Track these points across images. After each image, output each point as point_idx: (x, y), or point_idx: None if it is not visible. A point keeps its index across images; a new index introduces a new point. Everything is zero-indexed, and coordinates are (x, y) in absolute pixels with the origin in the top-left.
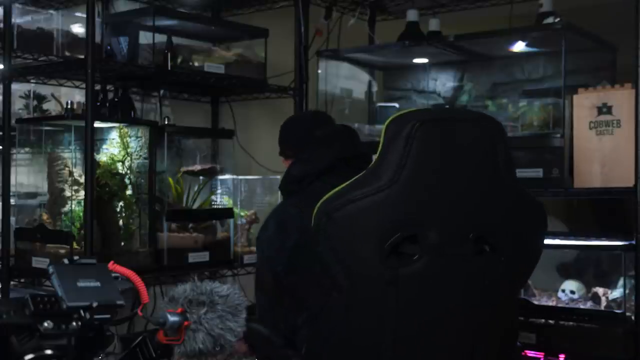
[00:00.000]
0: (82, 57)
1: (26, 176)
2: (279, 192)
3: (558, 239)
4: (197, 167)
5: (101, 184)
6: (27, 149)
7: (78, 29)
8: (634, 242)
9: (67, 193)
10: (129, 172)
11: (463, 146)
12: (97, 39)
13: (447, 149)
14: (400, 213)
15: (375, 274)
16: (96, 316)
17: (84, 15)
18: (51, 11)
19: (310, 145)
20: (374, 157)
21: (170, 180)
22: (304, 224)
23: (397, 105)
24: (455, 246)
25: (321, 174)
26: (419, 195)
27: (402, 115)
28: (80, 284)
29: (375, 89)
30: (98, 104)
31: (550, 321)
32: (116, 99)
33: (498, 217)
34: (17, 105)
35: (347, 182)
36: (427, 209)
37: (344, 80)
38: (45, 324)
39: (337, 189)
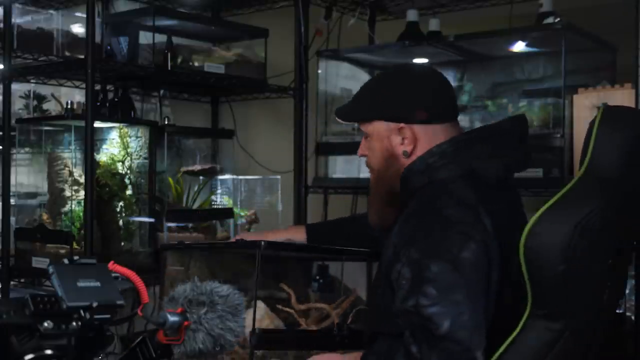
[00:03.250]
0: (82, 57)
1: (26, 176)
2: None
3: None
4: (197, 167)
5: (101, 184)
6: (27, 149)
7: (78, 29)
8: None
9: (67, 193)
10: (129, 172)
11: None
12: (97, 39)
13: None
14: (623, 220)
15: (598, 292)
16: (96, 316)
17: (84, 15)
18: (51, 11)
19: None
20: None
21: (170, 180)
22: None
23: None
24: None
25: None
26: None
27: (623, 111)
28: (80, 284)
29: None
30: (98, 104)
31: None
32: (116, 99)
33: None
34: (17, 105)
35: (570, 186)
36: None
37: (344, 80)
38: (45, 324)
39: (558, 196)
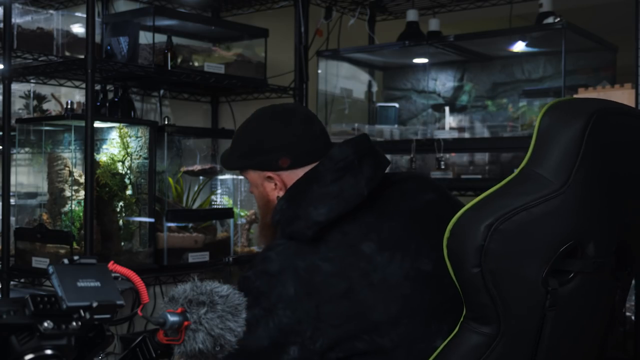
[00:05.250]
0: (82, 57)
1: (26, 176)
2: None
3: None
4: (197, 167)
5: (101, 184)
6: (27, 149)
7: (78, 29)
8: None
9: (67, 193)
10: (129, 172)
11: (629, 143)
12: (97, 39)
13: (618, 146)
14: (570, 223)
15: (535, 299)
16: (96, 316)
17: (84, 15)
18: (51, 11)
19: (328, 164)
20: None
21: (170, 180)
22: (343, 286)
23: (397, 105)
24: (605, 259)
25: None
26: (590, 201)
27: (569, 103)
28: (80, 284)
29: (375, 89)
30: (98, 104)
31: None
32: (116, 99)
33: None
34: (17, 105)
35: (499, 186)
36: (592, 217)
37: (344, 80)
38: (45, 324)
39: (485, 194)
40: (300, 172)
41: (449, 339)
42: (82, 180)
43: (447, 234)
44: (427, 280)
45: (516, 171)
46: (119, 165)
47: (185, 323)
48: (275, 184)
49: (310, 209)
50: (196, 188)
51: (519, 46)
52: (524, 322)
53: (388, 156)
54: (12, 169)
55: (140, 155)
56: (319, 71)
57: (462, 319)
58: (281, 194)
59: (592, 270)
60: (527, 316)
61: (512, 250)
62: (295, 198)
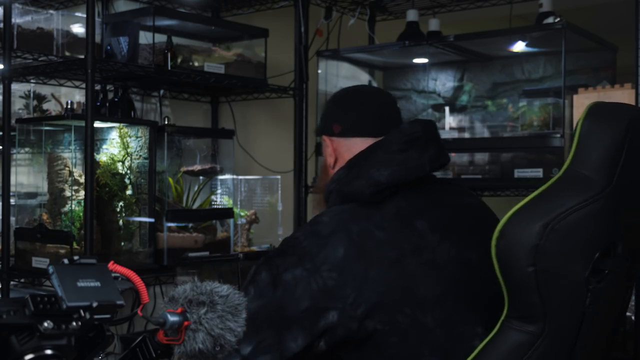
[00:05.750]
0: (82, 57)
1: (26, 176)
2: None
3: None
4: (197, 167)
5: (101, 184)
6: (27, 149)
7: (78, 29)
8: None
9: (67, 193)
10: (129, 172)
11: None
12: (97, 39)
13: None
14: (610, 223)
15: (578, 297)
16: (96, 316)
17: (84, 15)
18: (51, 11)
19: (396, 135)
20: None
21: (170, 180)
22: (394, 255)
23: None
24: (625, 258)
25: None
26: (626, 203)
27: (610, 106)
28: (80, 284)
29: None
30: (98, 104)
31: None
32: (116, 99)
33: None
34: (17, 105)
35: (546, 187)
36: (626, 218)
37: (344, 80)
38: (45, 324)
39: (534, 195)
40: (355, 144)
41: (488, 338)
42: (82, 180)
43: (496, 234)
44: (471, 271)
45: (560, 172)
46: (119, 165)
47: (185, 323)
48: (331, 151)
49: (372, 170)
50: (196, 188)
51: (519, 46)
52: (566, 320)
53: None
54: (12, 169)
55: (140, 155)
56: (319, 71)
57: (503, 318)
58: (331, 160)
59: (617, 269)
60: (570, 314)
61: (564, 250)
62: (356, 165)
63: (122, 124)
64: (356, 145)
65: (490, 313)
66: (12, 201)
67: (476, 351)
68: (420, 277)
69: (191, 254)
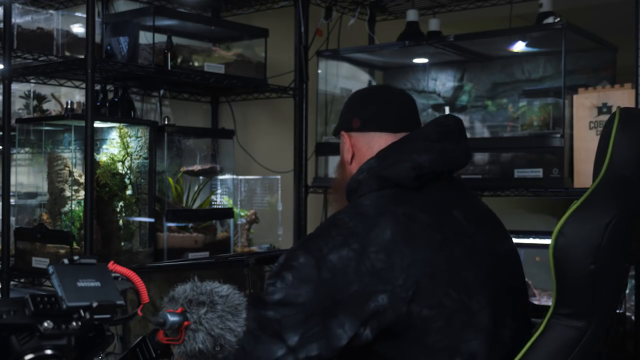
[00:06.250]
0: (82, 57)
1: (26, 176)
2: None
3: None
4: (197, 167)
5: (101, 184)
6: (27, 149)
7: (78, 29)
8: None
9: (67, 193)
10: (129, 172)
11: None
12: (97, 39)
13: None
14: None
15: (618, 291)
16: (96, 316)
17: (84, 15)
18: (51, 11)
19: (431, 126)
20: None
21: (170, 180)
22: (440, 237)
23: None
24: None
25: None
26: None
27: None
28: (80, 284)
29: None
30: (98, 104)
31: None
32: (116, 99)
33: None
34: (17, 105)
35: (594, 187)
36: None
37: (344, 80)
38: (45, 324)
39: (586, 195)
40: (374, 138)
41: (536, 335)
42: (82, 180)
43: (555, 234)
44: (499, 263)
45: (601, 173)
46: (119, 165)
47: (185, 323)
48: (349, 146)
49: (415, 155)
50: (196, 188)
51: (519, 46)
52: (606, 313)
53: None
54: (12, 169)
55: (140, 155)
56: (319, 71)
57: (550, 315)
58: (348, 157)
59: None
60: (609, 308)
61: (618, 248)
62: (391, 153)
63: (122, 124)
64: (375, 140)
65: (514, 305)
66: (12, 201)
67: (525, 348)
68: (465, 261)
69: (191, 254)
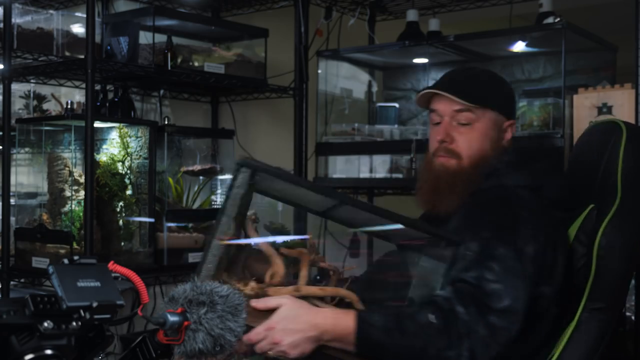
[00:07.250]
0: (82, 57)
1: (26, 176)
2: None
3: None
4: (197, 167)
5: (101, 184)
6: (27, 149)
7: (78, 29)
8: None
9: (67, 193)
10: (129, 172)
11: None
12: (97, 39)
13: None
14: None
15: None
16: (96, 316)
17: (84, 15)
18: (51, 11)
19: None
20: None
21: (170, 180)
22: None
23: (397, 105)
24: None
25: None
26: None
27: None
28: (80, 284)
29: (375, 89)
30: (98, 104)
31: None
32: (116, 99)
33: None
34: (17, 105)
35: (622, 192)
36: None
37: (344, 80)
38: (45, 324)
39: (619, 200)
40: (507, 127)
41: (570, 330)
42: (82, 180)
43: (600, 234)
44: None
45: (618, 177)
46: (119, 165)
47: (185, 323)
48: (502, 132)
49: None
50: (196, 188)
51: (519, 46)
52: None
53: (388, 156)
54: (12, 169)
55: (140, 155)
56: (319, 71)
57: (582, 310)
58: (494, 135)
59: None
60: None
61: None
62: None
63: (122, 124)
64: (508, 130)
65: None
66: (12, 201)
67: (563, 343)
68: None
69: (191, 254)
